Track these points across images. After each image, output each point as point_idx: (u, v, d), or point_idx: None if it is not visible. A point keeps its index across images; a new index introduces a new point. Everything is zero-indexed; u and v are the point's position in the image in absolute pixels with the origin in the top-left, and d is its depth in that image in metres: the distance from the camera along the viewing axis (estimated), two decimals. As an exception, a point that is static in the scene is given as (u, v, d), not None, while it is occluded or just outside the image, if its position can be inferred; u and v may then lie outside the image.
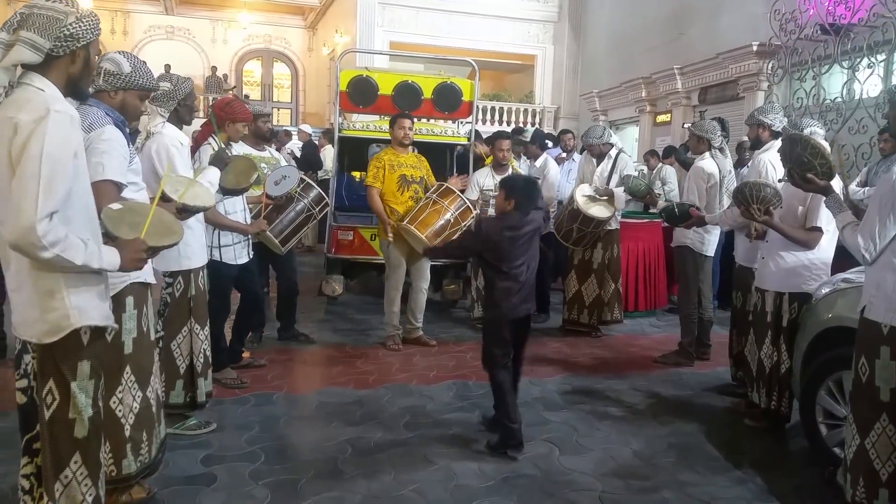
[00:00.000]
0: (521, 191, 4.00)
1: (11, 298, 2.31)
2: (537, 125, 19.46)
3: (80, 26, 2.20)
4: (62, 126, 2.11)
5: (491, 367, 3.99)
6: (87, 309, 2.30)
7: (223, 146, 4.38)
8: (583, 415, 4.55)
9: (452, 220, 5.65)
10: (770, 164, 4.69)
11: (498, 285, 3.95)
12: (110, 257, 2.28)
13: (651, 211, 7.37)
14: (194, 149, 4.49)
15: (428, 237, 5.54)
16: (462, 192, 6.00)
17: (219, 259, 4.59)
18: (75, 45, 2.21)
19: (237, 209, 4.63)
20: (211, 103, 5.33)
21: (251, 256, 4.86)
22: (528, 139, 7.76)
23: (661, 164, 9.44)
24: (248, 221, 4.77)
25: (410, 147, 6.10)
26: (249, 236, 4.80)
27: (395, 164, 5.90)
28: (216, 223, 4.43)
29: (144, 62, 2.99)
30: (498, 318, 3.97)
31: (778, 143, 4.70)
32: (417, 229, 5.55)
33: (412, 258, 5.98)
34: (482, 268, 4.20)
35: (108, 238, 2.38)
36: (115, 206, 2.54)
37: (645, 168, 10.78)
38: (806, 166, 3.44)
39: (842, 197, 3.40)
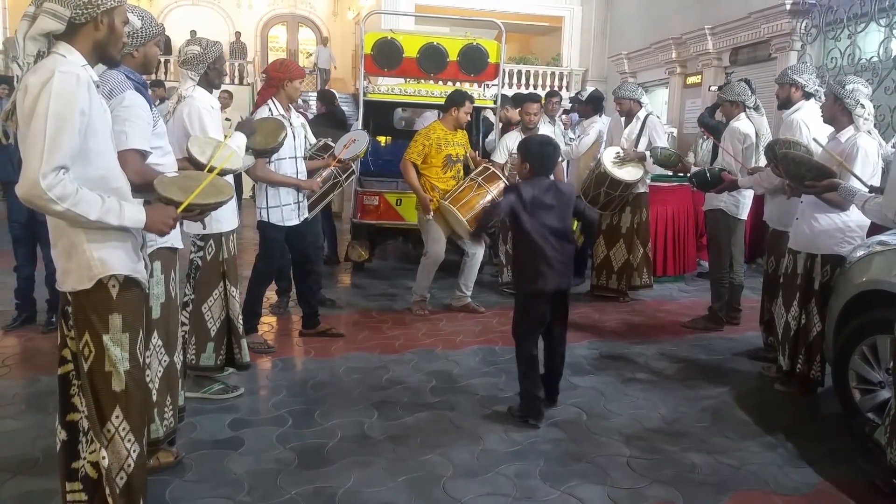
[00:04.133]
0: (533, 152, 3.88)
1: (52, 254, 2.39)
2: (565, 88, 19.18)
3: None
4: (67, 85, 2.15)
5: (517, 338, 3.94)
6: (109, 260, 2.34)
7: (280, 112, 4.59)
8: (610, 380, 4.52)
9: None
10: (804, 123, 4.58)
11: (525, 257, 3.85)
12: (134, 214, 2.32)
13: (680, 175, 7.22)
14: (254, 111, 4.68)
15: (469, 221, 5.50)
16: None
17: (266, 220, 4.63)
18: (96, 11, 2.26)
19: (288, 172, 4.69)
20: (264, 69, 5.53)
21: (301, 219, 4.86)
22: (585, 99, 7.61)
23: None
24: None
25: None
26: (302, 198, 4.81)
27: (443, 142, 5.80)
28: (267, 179, 4.56)
29: (143, 9, 3.04)
30: (525, 292, 3.90)
31: (809, 103, 4.65)
32: (460, 211, 5.51)
33: (455, 232, 5.92)
34: (513, 233, 4.11)
35: (159, 201, 2.47)
36: (171, 174, 2.65)
37: (675, 131, 10.53)
38: (798, 176, 3.78)
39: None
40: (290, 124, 4.61)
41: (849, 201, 3.59)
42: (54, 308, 4.99)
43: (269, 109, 4.61)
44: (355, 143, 5.12)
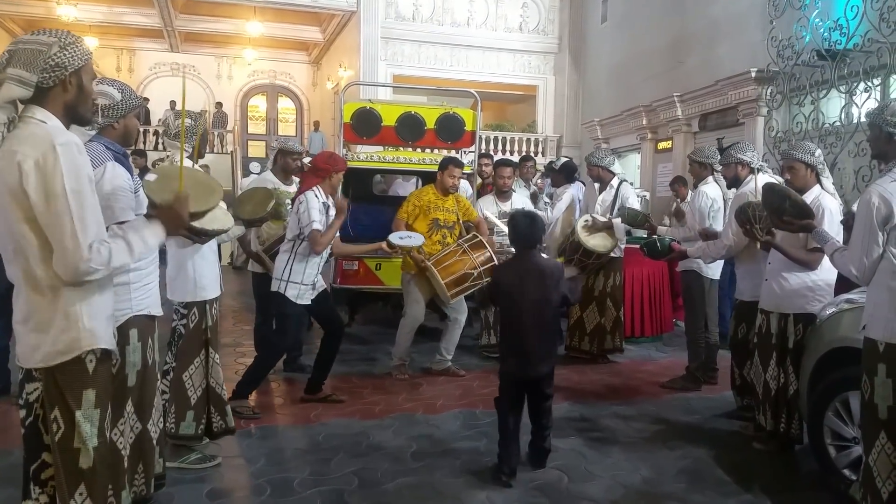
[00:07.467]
0: (513, 227, 4.07)
1: (17, 330, 2.30)
2: (540, 153, 19.57)
3: (64, 55, 2.19)
4: (72, 157, 2.14)
5: (498, 408, 3.99)
6: (99, 332, 2.31)
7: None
8: (591, 441, 4.52)
9: (475, 274, 5.62)
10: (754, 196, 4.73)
11: (506, 338, 4.00)
12: (153, 231, 2.38)
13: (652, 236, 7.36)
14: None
15: (447, 284, 5.56)
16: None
17: (283, 293, 4.80)
18: (64, 74, 2.20)
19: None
20: (309, 158, 6.13)
21: (318, 292, 5.00)
22: (558, 168, 7.83)
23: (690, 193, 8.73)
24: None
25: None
26: (312, 282, 4.93)
27: (432, 206, 5.92)
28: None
29: (123, 82, 3.07)
30: (504, 372, 4.00)
31: (760, 176, 4.78)
32: (440, 274, 5.57)
33: (437, 295, 5.96)
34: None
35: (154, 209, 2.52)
36: (152, 176, 2.68)
37: (647, 194, 10.73)
38: (778, 210, 3.77)
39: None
40: (328, 207, 4.91)
41: (820, 244, 3.61)
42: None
43: (315, 196, 4.80)
44: (411, 238, 5.53)
